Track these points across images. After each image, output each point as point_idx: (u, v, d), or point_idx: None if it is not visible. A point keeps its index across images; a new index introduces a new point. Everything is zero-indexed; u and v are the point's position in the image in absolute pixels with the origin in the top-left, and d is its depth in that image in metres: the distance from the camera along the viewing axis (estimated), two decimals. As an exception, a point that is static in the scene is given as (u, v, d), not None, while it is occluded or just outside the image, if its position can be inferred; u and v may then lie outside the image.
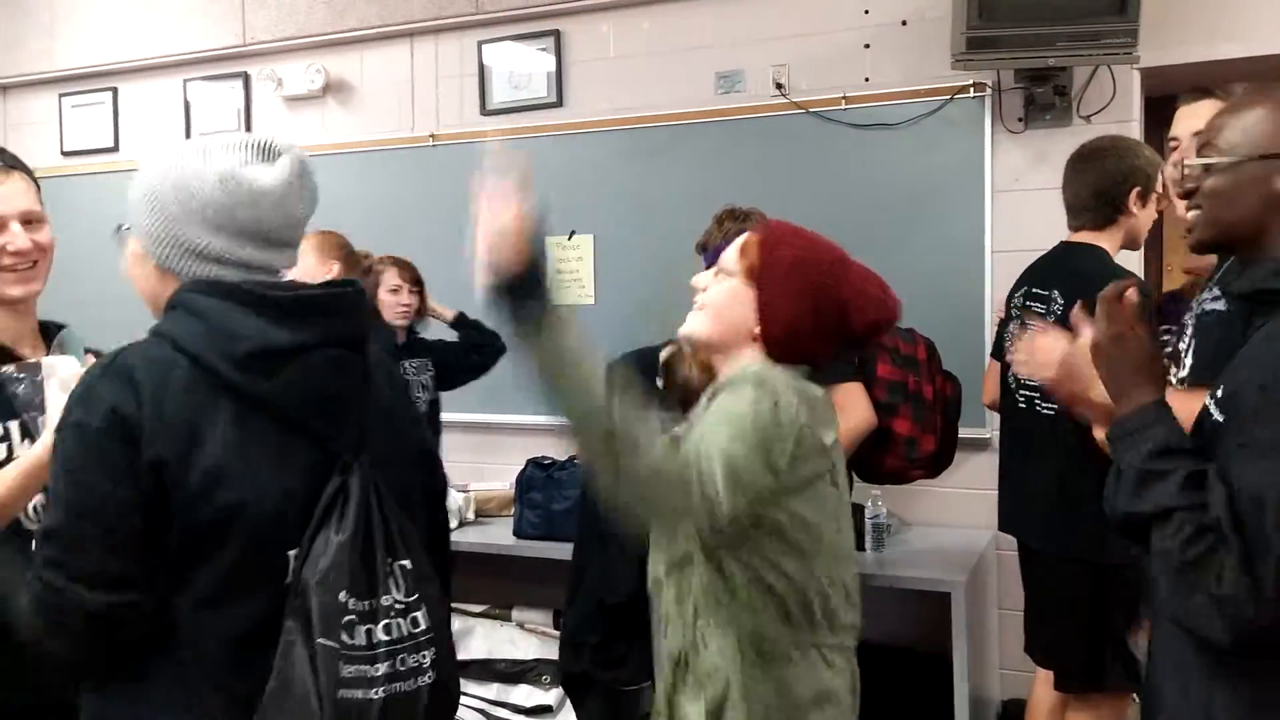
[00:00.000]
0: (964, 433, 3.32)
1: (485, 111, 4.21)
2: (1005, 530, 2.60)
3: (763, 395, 1.45)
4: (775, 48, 3.74)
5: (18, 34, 5.02)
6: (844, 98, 3.61)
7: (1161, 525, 1.11)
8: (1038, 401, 2.45)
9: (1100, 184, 2.43)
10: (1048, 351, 1.47)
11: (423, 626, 1.26)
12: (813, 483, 1.50)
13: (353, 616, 1.20)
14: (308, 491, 1.23)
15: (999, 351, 2.73)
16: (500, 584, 3.79)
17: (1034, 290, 2.52)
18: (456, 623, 3.68)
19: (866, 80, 3.61)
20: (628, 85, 3.97)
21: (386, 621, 1.23)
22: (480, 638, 3.70)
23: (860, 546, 3.17)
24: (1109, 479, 1.21)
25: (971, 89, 3.45)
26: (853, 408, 2.56)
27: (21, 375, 1.53)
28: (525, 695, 3.54)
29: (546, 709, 3.49)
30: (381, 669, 1.21)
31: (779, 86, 3.72)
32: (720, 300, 1.56)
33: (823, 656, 1.53)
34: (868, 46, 3.63)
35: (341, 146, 4.40)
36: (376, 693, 1.20)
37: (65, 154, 4.96)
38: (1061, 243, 2.57)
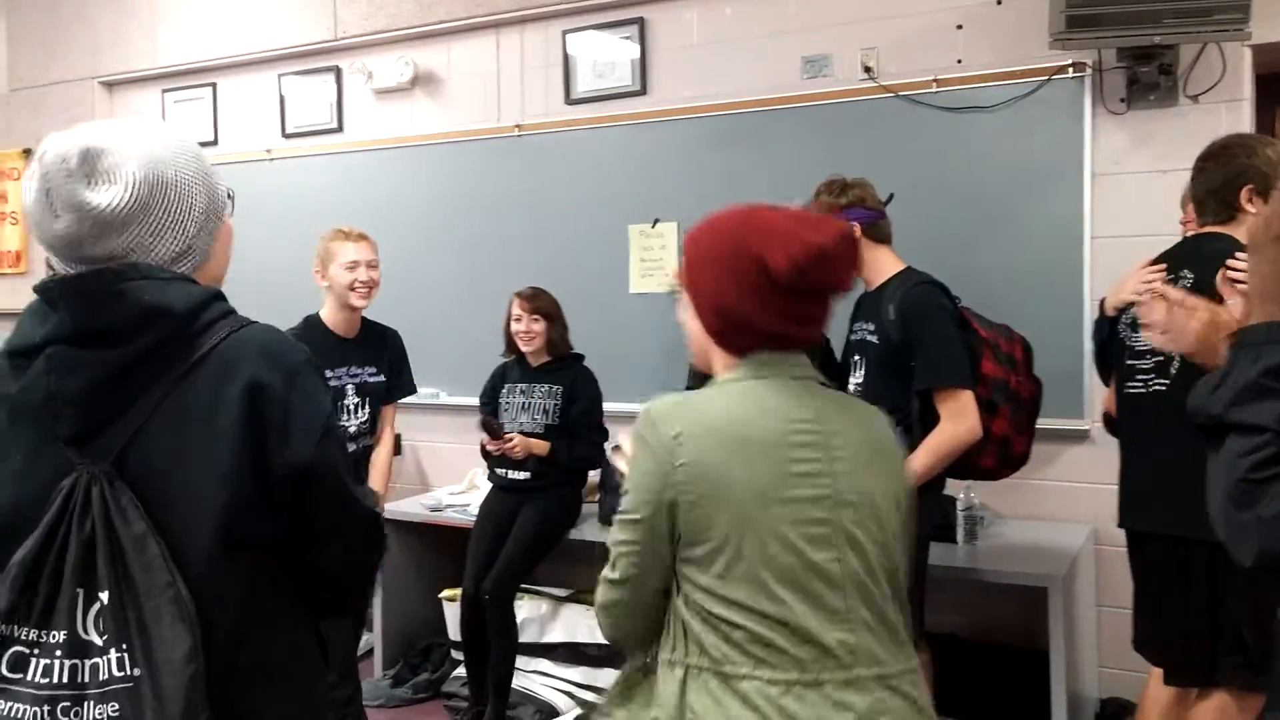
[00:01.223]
0: (1061, 424, 3.26)
1: (570, 101, 4.23)
2: (1124, 525, 2.52)
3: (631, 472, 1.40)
4: (863, 30, 3.68)
5: (123, 33, 5.21)
6: (935, 80, 3.53)
7: (1245, 437, 1.12)
8: (1154, 381, 2.39)
9: (1213, 184, 2.39)
10: (1184, 323, 1.40)
11: (109, 675, 1.07)
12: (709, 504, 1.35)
13: (20, 648, 1.08)
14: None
15: (1109, 354, 2.63)
16: (586, 569, 3.83)
17: (1170, 276, 2.44)
18: (543, 605, 3.74)
19: (959, 62, 3.52)
20: (712, 72, 3.94)
21: (48, 661, 1.07)
22: (567, 621, 3.74)
23: (951, 538, 3.12)
24: (1208, 377, 1.20)
25: (1070, 69, 3.34)
26: (963, 416, 2.51)
27: None
28: (612, 679, 3.56)
29: (632, 695, 3.51)
30: (28, 712, 1.06)
31: (867, 70, 3.65)
32: (685, 322, 1.49)
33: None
34: (960, 27, 3.53)
35: (429, 138, 4.47)
36: None
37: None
38: (1191, 235, 2.50)
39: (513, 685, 3.49)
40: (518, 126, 4.29)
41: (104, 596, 1.08)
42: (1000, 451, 2.65)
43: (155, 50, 5.13)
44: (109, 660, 1.07)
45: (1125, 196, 3.30)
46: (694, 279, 1.44)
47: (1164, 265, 2.45)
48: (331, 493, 1.21)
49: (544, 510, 3.52)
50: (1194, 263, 2.38)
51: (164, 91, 5.18)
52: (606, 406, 3.63)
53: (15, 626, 1.09)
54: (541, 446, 3.51)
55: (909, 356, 2.57)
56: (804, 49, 3.78)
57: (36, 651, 1.08)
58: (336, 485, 1.21)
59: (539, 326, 3.56)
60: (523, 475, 3.58)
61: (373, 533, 1.29)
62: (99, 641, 1.08)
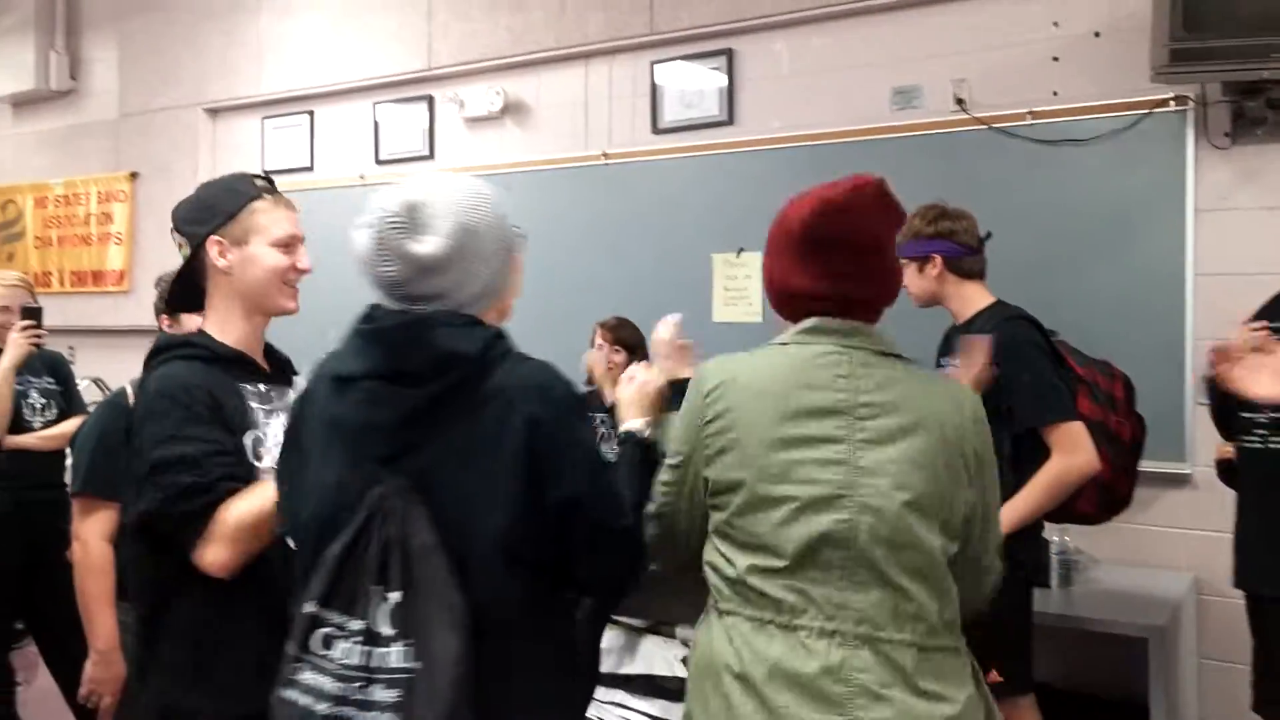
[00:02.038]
0: (1162, 468, 3.16)
1: (656, 130, 4.26)
2: (1241, 586, 2.41)
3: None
4: (956, 61, 3.63)
5: (230, 62, 5.41)
6: (1030, 112, 3.46)
7: None
8: (1271, 439, 2.28)
9: None
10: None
11: (395, 664, 1.22)
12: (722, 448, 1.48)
13: (329, 629, 1.25)
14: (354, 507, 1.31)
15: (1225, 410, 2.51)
16: (665, 599, 3.80)
17: (1273, 325, 2.33)
18: (621, 636, 3.73)
19: (1055, 94, 3.45)
20: (800, 102, 3.93)
21: (348, 644, 1.24)
22: (645, 653, 3.73)
23: (1045, 583, 3.02)
24: None
25: (1172, 103, 3.25)
26: (1076, 449, 2.41)
27: (268, 394, 1.69)
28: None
29: (709, 729, 3.48)
30: (333, 688, 1.23)
31: (959, 101, 3.60)
32: None
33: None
34: (1056, 59, 3.47)
35: (518, 165, 4.54)
36: (323, 707, 1.23)
37: (266, 172, 5.29)
38: None
39: (588, 716, 3.48)
40: (604, 155, 4.33)
41: (396, 595, 1.23)
42: (1102, 495, 2.55)
43: (259, 79, 5.32)
44: (396, 651, 1.22)
45: (1231, 234, 3.18)
46: (764, 265, 1.58)
47: (1264, 322, 2.33)
48: (592, 522, 1.34)
49: None
50: None
51: (264, 119, 5.36)
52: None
53: (327, 611, 1.26)
54: None
55: (1000, 396, 2.50)
56: (894, 80, 3.75)
57: (341, 634, 1.25)
58: (598, 516, 1.34)
59: (619, 358, 3.55)
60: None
61: (625, 552, 1.42)
62: (389, 633, 1.23)
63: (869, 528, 1.38)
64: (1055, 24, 3.46)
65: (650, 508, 1.52)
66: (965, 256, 2.64)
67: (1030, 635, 2.54)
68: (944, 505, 1.43)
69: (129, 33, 5.82)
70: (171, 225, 1.75)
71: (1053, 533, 2.98)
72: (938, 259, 2.63)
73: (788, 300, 1.53)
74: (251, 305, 1.71)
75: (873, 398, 1.43)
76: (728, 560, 1.45)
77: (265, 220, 1.70)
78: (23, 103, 6.21)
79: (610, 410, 3.61)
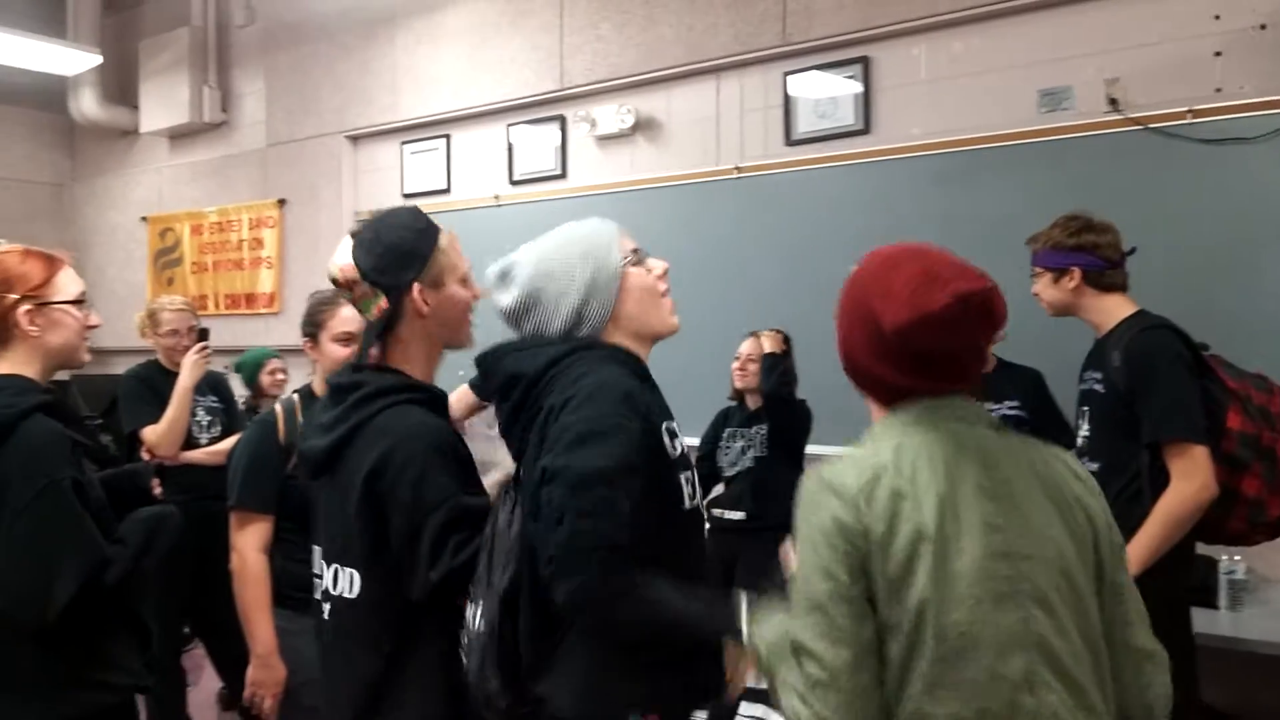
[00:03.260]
0: (1344, 483, 2.94)
1: (790, 142, 4.23)
2: None
3: (802, 542, 1.29)
4: (1107, 60, 3.50)
5: (368, 91, 5.63)
6: (1190, 111, 3.30)
7: None
8: None
9: None
10: None
11: (470, 618, 1.52)
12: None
13: (473, 588, 1.54)
14: None
15: None
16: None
17: None
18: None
19: (1217, 91, 3.29)
20: (940, 108, 3.85)
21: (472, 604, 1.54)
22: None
23: (1213, 604, 2.88)
24: None
25: (1350, 94, 3.06)
26: (1195, 474, 2.31)
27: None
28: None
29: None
30: (471, 629, 1.53)
31: (1112, 102, 3.46)
32: None
33: None
34: (1218, 54, 3.30)
35: (650, 182, 4.57)
36: (464, 641, 1.54)
37: (405, 196, 5.49)
38: None
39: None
40: (736, 169, 4.32)
41: (481, 568, 1.52)
42: (1252, 514, 2.40)
43: (396, 106, 5.51)
44: (473, 609, 1.51)
45: None
46: (837, 325, 1.40)
47: None
48: (560, 494, 1.40)
49: (762, 563, 3.41)
50: None
51: (402, 144, 5.55)
52: (821, 449, 3.56)
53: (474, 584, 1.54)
54: None
55: (1136, 408, 2.39)
56: (1041, 81, 3.63)
57: (474, 595, 1.53)
58: (565, 489, 1.40)
59: (753, 366, 3.56)
60: (739, 515, 3.56)
61: (574, 548, 1.40)
62: (473, 595, 1.51)
63: (1042, 623, 1.24)
64: (1216, 17, 3.30)
65: (817, 669, 1.22)
66: (1105, 270, 2.54)
67: (1193, 657, 2.41)
68: (1091, 584, 1.30)
69: (275, 67, 6.11)
70: (356, 274, 1.66)
71: (1221, 552, 2.82)
72: (1076, 272, 2.54)
73: (874, 386, 1.37)
74: (442, 344, 1.73)
75: (1009, 474, 1.29)
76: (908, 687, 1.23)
77: (454, 258, 1.70)
78: (179, 135, 6.59)
79: (749, 421, 3.61)
